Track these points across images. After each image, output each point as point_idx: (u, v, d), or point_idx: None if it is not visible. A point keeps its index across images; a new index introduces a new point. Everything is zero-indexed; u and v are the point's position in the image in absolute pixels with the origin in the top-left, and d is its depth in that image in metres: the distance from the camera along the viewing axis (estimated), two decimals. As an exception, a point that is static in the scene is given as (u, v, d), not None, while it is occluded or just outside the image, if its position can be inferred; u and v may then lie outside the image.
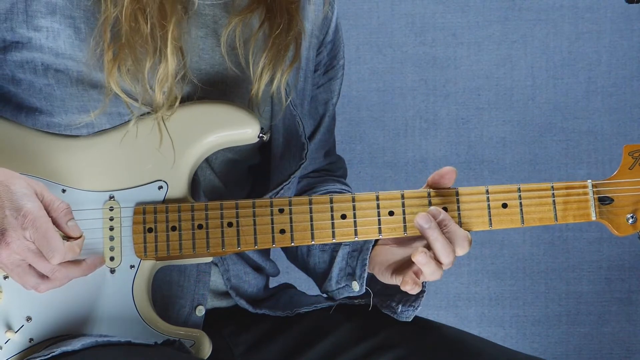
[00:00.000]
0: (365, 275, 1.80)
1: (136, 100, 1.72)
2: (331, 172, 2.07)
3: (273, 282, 2.02)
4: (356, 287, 1.81)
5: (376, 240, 1.81)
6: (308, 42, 1.92)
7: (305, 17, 1.90)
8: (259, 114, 1.82)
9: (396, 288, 1.78)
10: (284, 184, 1.84)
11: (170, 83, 1.72)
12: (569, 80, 3.03)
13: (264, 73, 1.80)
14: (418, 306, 1.80)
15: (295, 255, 1.97)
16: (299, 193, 1.97)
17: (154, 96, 1.72)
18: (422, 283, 1.79)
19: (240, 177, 1.89)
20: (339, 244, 1.85)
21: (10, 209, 1.60)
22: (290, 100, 1.85)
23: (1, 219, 1.60)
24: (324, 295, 1.92)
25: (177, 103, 1.74)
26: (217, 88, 1.81)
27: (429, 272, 1.69)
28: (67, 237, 1.65)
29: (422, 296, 1.80)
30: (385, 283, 1.78)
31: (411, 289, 1.71)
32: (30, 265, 1.63)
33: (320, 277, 1.90)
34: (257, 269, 1.92)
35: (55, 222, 1.64)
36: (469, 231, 1.72)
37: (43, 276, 1.64)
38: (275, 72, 1.80)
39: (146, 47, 1.70)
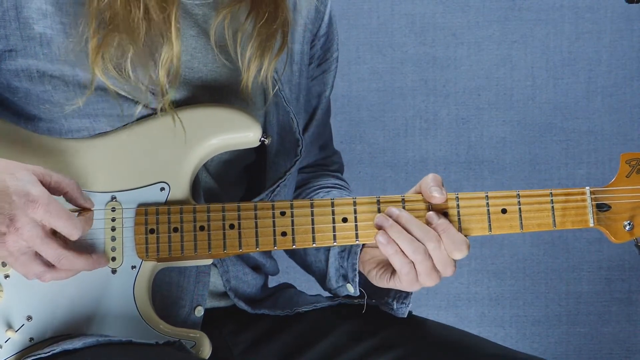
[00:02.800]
0: (357, 279, 1.80)
1: (127, 92, 1.72)
2: (326, 167, 2.07)
3: (272, 282, 2.02)
4: (351, 289, 1.82)
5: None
6: (302, 35, 1.92)
7: (297, 11, 1.90)
8: (253, 104, 1.82)
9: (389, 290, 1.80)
10: (280, 181, 1.84)
11: (176, 65, 1.72)
12: (569, 80, 3.03)
13: (251, 63, 1.79)
14: (409, 303, 1.81)
15: (294, 252, 1.97)
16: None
17: (157, 80, 1.72)
18: None
19: (236, 177, 1.89)
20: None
21: (17, 194, 1.58)
22: (283, 96, 1.86)
23: (8, 204, 1.58)
24: (327, 293, 1.92)
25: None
26: (211, 86, 1.81)
27: (398, 262, 1.70)
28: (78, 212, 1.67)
29: (411, 293, 1.80)
30: (378, 286, 1.79)
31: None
32: (36, 253, 1.62)
33: (319, 277, 1.90)
34: (256, 268, 1.92)
35: (70, 197, 1.65)
36: (468, 236, 1.73)
37: (48, 264, 1.63)
38: (263, 61, 1.80)
39: (135, 34, 1.70)
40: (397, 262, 1.70)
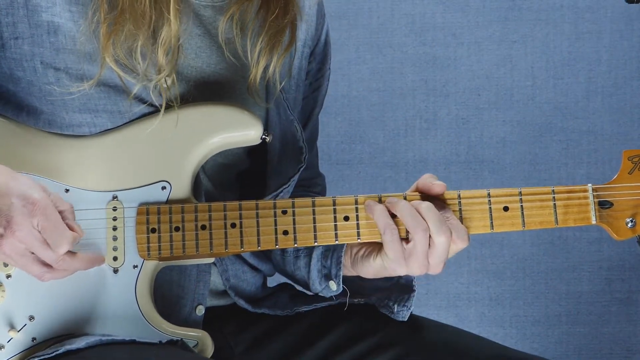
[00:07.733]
0: (341, 273, 1.80)
1: (134, 78, 1.72)
2: (308, 188, 2.05)
3: (272, 282, 2.02)
4: (334, 286, 1.82)
5: None
6: (301, 51, 1.93)
7: (299, 27, 1.90)
8: (261, 100, 1.83)
9: (376, 287, 1.81)
10: (283, 187, 1.84)
11: (173, 45, 1.72)
12: (569, 80, 3.03)
13: (261, 57, 1.80)
14: (410, 306, 1.81)
15: (273, 261, 1.97)
16: None
17: (156, 59, 1.72)
18: (412, 284, 1.81)
19: (230, 182, 1.89)
20: (312, 247, 1.86)
21: (17, 197, 1.58)
22: (287, 105, 1.86)
23: (7, 206, 1.57)
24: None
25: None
26: (212, 86, 1.82)
27: (382, 222, 1.71)
28: None
29: (413, 295, 1.81)
30: (364, 274, 1.79)
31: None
32: (33, 254, 1.61)
33: (302, 282, 1.90)
34: (254, 267, 1.92)
35: (62, 217, 1.63)
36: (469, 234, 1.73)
37: (48, 265, 1.63)
38: (272, 56, 1.81)
39: (142, 21, 1.70)
40: (381, 222, 1.70)
